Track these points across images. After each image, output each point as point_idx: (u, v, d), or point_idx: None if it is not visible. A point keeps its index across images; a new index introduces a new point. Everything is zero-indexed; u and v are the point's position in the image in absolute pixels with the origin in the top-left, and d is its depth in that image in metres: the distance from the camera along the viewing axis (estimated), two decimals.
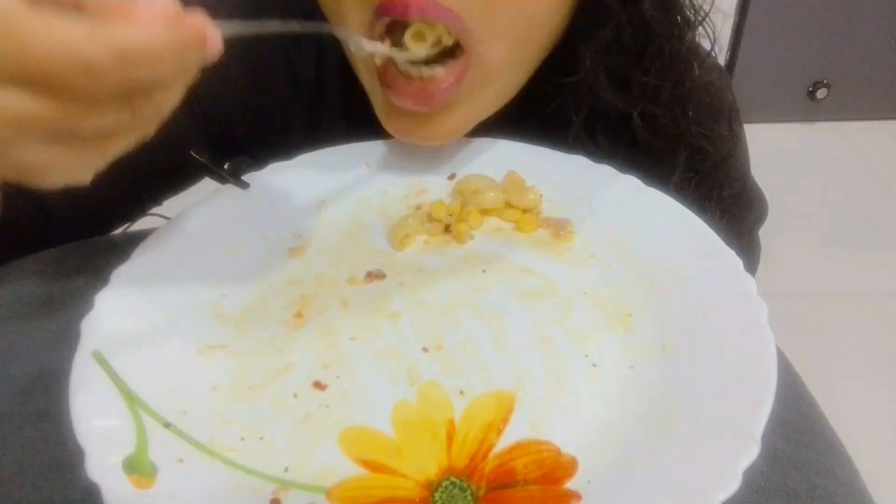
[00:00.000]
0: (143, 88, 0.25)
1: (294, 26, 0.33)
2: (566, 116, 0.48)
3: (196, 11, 0.26)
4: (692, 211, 0.40)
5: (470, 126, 0.44)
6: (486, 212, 0.43)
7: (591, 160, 0.45)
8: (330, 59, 0.52)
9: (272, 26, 0.31)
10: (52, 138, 0.25)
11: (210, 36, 0.26)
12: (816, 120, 1.84)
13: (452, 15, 0.37)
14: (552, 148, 0.46)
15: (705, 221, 0.39)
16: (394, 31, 0.39)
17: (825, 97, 1.81)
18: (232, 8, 0.51)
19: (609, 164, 0.44)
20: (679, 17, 0.45)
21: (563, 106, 0.47)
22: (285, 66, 0.52)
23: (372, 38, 0.39)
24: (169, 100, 0.27)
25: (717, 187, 0.50)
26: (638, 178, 0.43)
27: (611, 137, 0.48)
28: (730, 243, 0.38)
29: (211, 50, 0.26)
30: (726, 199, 0.51)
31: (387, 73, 0.41)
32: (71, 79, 0.23)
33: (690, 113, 0.47)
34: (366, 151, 0.47)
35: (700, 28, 0.48)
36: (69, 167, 0.27)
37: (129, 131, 0.27)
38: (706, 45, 0.50)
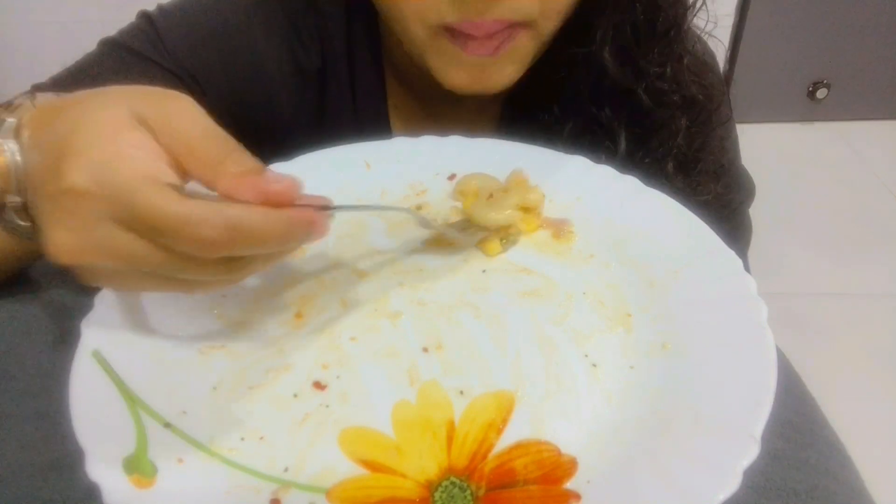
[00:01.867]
0: (243, 259, 0.28)
1: (374, 206, 0.38)
2: (571, 91, 0.50)
3: (314, 200, 0.29)
4: (691, 209, 0.41)
5: (518, 77, 0.48)
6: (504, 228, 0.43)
7: (591, 160, 0.45)
8: (336, 49, 0.53)
9: (366, 207, 0.36)
10: (153, 275, 0.28)
11: (318, 222, 0.28)
12: (816, 120, 1.85)
13: (513, 23, 0.43)
14: (552, 148, 0.46)
15: (702, 200, 0.40)
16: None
17: (825, 97, 1.81)
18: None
19: (610, 159, 0.46)
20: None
21: (572, 75, 0.50)
22: (290, 58, 0.52)
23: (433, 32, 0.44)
24: (264, 265, 0.30)
25: (708, 144, 0.53)
26: (639, 174, 0.44)
27: (616, 106, 0.50)
28: (721, 219, 0.39)
29: (316, 236, 0.28)
30: (718, 162, 0.55)
31: (462, 29, 0.44)
32: (184, 242, 0.26)
33: (687, 79, 0.51)
34: (366, 151, 0.47)
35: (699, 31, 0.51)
36: (156, 290, 0.30)
37: (222, 283, 0.30)
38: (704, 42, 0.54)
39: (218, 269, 0.28)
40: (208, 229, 0.25)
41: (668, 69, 0.49)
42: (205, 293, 0.31)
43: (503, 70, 0.46)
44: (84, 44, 0.50)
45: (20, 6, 1.65)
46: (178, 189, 0.26)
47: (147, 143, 0.27)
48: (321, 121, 0.54)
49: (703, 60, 0.53)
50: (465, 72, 0.46)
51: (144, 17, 0.50)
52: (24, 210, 0.30)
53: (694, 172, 0.52)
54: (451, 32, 0.44)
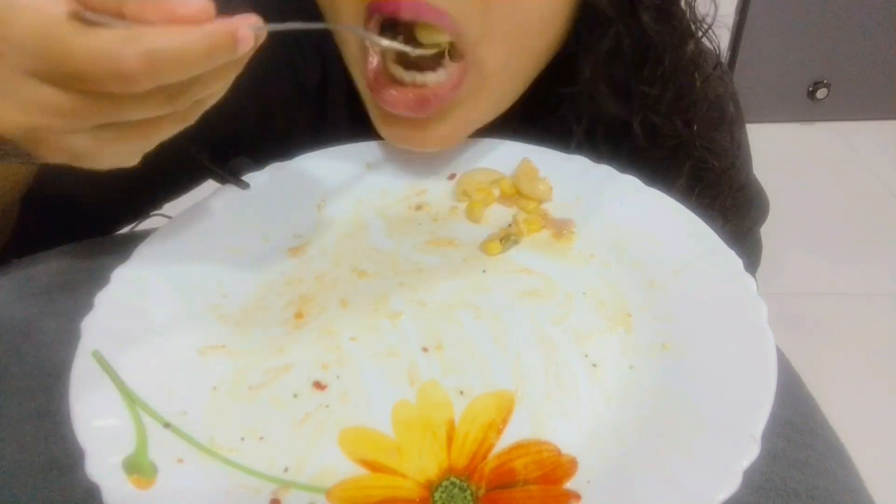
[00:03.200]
0: (178, 86, 0.27)
1: (319, 25, 0.34)
2: (567, 126, 0.48)
3: (236, 9, 0.27)
4: (693, 212, 0.41)
5: (466, 133, 0.45)
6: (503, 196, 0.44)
7: (592, 160, 0.45)
8: (335, 64, 0.53)
9: (298, 25, 0.32)
10: (97, 127, 0.27)
11: (241, 36, 0.27)
12: (816, 120, 1.84)
13: (444, 15, 0.37)
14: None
15: (706, 223, 0.40)
16: (385, 31, 0.39)
17: (825, 97, 1.81)
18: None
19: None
20: (679, 28, 0.45)
21: (565, 116, 0.48)
22: (290, 71, 0.52)
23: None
24: (209, 93, 0.29)
25: (720, 196, 0.50)
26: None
27: (612, 146, 0.48)
28: (731, 243, 0.38)
29: (242, 49, 0.27)
30: (728, 205, 0.51)
31: (378, 80, 0.41)
32: (105, 81, 0.25)
33: (694, 125, 0.47)
34: (366, 151, 0.47)
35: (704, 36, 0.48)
36: (116, 151, 0.29)
37: (171, 120, 0.29)
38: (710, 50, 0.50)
39: (157, 101, 0.27)
40: (126, 62, 0.24)
41: (664, 104, 0.46)
42: (163, 136, 0.29)
43: (442, 126, 0.42)
44: None
45: None
46: (85, 22, 0.25)
47: None
48: (319, 136, 0.54)
49: (713, 120, 0.49)
50: (398, 129, 0.43)
51: None
52: None
53: (703, 210, 0.50)
54: (371, 84, 0.41)
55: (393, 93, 0.40)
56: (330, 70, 0.53)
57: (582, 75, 0.45)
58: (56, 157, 0.28)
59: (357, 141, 0.47)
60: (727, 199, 0.51)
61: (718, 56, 0.49)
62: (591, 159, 0.45)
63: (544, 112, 0.48)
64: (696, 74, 0.47)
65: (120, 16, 0.25)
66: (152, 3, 0.26)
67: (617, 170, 0.44)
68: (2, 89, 0.26)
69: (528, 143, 0.47)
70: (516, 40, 0.41)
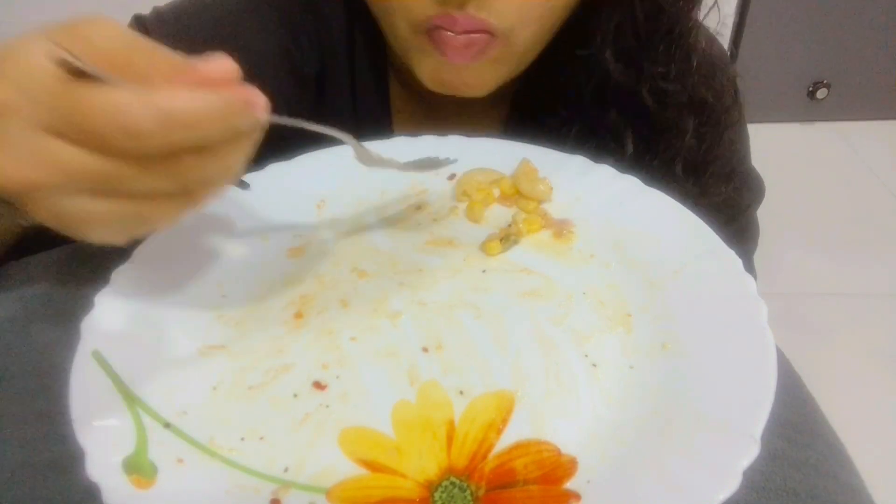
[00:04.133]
0: (189, 152, 0.26)
1: (318, 127, 0.35)
2: (567, 124, 0.51)
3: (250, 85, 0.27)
4: (696, 211, 0.41)
5: (499, 83, 0.48)
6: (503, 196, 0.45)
7: (591, 160, 0.45)
8: (337, 54, 0.53)
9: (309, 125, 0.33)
10: (98, 192, 0.26)
11: (257, 104, 0.27)
12: (816, 120, 1.84)
13: (490, 27, 0.43)
14: (553, 148, 0.46)
15: (712, 202, 0.40)
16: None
17: (825, 97, 1.81)
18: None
19: (618, 161, 0.46)
20: None
21: (575, 76, 0.50)
22: (286, 62, 0.52)
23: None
24: (218, 169, 0.28)
25: (721, 150, 0.53)
26: (641, 177, 0.44)
27: (621, 109, 0.50)
28: (729, 221, 0.39)
29: (257, 117, 0.27)
30: (729, 164, 0.54)
31: (441, 39, 0.44)
32: (117, 139, 0.24)
33: (700, 85, 0.51)
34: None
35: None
36: (109, 224, 0.28)
37: (175, 198, 0.28)
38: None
39: (168, 174, 0.26)
40: (139, 116, 0.24)
41: (673, 69, 0.49)
42: (162, 220, 0.28)
43: (481, 76, 0.47)
44: None
45: (20, 6, 1.65)
46: (78, 73, 0.25)
47: (79, 50, 0.25)
48: (320, 124, 0.54)
49: (712, 61, 0.53)
50: (444, 74, 0.47)
51: (137, 21, 0.50)
52: None
53: (704, 175, 0.52)
54: (432, 34, 0.44)
55: (452, 42, 0.44)
56: (328, 59, 0.53)
57: (594, 40, 0.48)
58: (47, 219, 0.27)
59: (359, 129, 0.48)
60: (729, 161, 0.54)
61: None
62: (591, 158, 0.45)
63: (555, 74, 0.51)
64: (700, 36, 0.50)
65: (124, 72, 0.25)
66: (167, 62, 0.26)
67: (621, 170, 0.44)
68: (10, 142, 0.25)
69: (535, 136, 0.47)
70: (546, 20, 0.45)
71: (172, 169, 0.26)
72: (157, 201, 0.27)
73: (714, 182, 0.52)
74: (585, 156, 0.45)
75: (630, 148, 0.50)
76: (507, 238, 0.41)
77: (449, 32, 0.43)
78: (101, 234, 0.28)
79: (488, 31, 0.43)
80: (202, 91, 0.25)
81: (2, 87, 0.25)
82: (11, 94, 0.25)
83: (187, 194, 0.28)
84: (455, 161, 0.44)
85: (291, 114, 0.53)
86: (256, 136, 0.28)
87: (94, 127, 0.24)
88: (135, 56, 0.26)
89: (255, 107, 0.27)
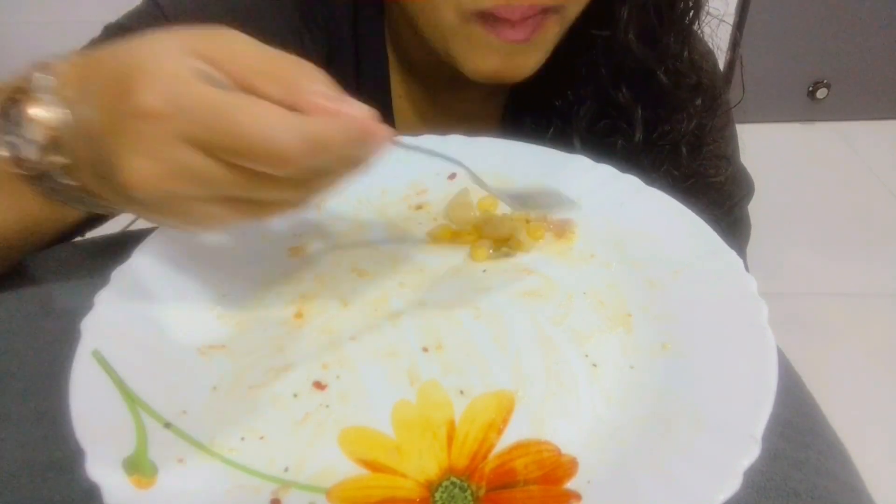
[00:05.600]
0: (319, 174, 0.28)
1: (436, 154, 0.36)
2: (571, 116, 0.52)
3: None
4: (692, 207, 0.41)
5: (541, 63, 0.48)
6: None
7: (592, 160, 0.45)
8: (342, 38, 0.53)
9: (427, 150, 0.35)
10: (226, 200, 0.28)
11: (379, 133, 0.28)
12: (816, 120, 1.84)
13: (545, 7, 0.43)
14: (554, 147, 0.46)
15: (719, 173, 0.41)
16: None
17: (825, 97, 1.81)
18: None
19: (627, 142, 0.47)
20: None
21: (592, 58, 0.51)
22: (297, 44, 0.52)
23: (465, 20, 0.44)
24: (332, 184, 0.30)
25: (715, 133, 0.55)
26: (641, 171, 0.44)
27: (635, 89, 0.51)
28: (721, 215, 0.39)
29: (379, 147, 0.28)
30: (724, 146, 0.56)
31: (497, 14, 0.44)
32: (263, 160, 0.26)
33: (699, 62, 0.53)
34: None
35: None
36: (225, 222, 0.29)
37: (290, 204, 0.30)
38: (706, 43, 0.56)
39: (295, 190, 0.28)
40: (289, 143, 0.25)
41: (686, 52, 0.51)
42: (275, 216, 0.30)
43: (531, 57, 0.47)
44: (84, 44, 0.50)
45: (20, 6, 1.65)
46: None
47: (212, 66, 0.27)
48: None
49: (704, 48, 0.55)
50: (495, 58, 0.46)
51: (154, 4, 0.50)
52: (69, 172, 0.30)
53: (703, 154, 0.53)
54: (484, 18, 0.44)
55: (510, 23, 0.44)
56: (334, 45, 0.53)
57: (617, 19, 0.49)
58: (168, 221, 0.29)
59: None
60: (717, 129, 0.56)
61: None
62: (597, 148, 0.46)
63: (565, 57, 0.51)
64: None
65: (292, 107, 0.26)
66: (330, 108, 0.27)
67: (628, 153, 0.44)
68: (153, 150, 0.26)
69: (537, 119, 0.48)
70: None
71: (298, 184, 0.28)
72: (273, 207, 0.29)
73: (714, 162, 0.54)
74: (591, 144, 0.46)
75: (640, 128, 0.51)
76: (499, 249, 0.41)
77: (506, 24, 0.43)
78: (212, 228, 0.30)
79: (543, 11, 0.43)
80: (338, 120, 0.26)
81: (148, 94, 0.25)
82: (159, 104, 0.25)
83: (300, 202, 0.30)
84: (573, 202, 0.42)
85: None
86: (369, 162, 0.30)
87: (245, 149, 0.25)
88: (281, 65, 0.27)
89: (385, 142, 0.28)
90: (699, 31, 0.53)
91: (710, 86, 0.53)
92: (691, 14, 0.50)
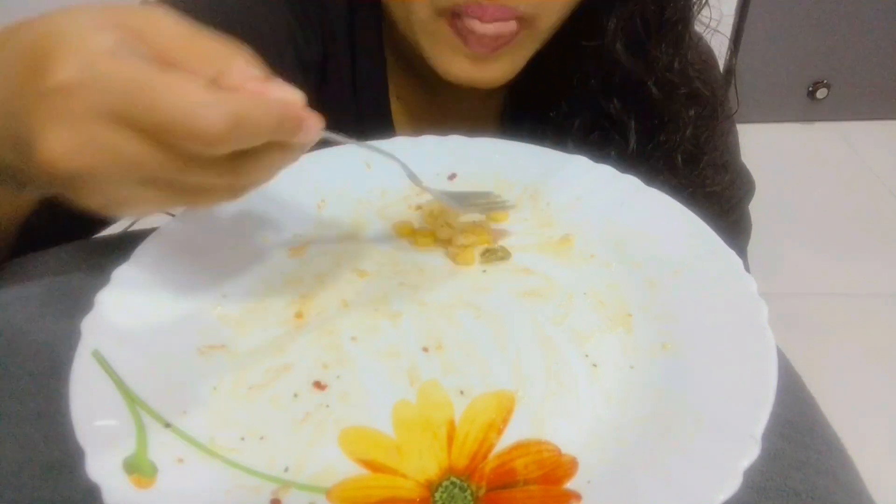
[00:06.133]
0: (243, 154, 0.27)
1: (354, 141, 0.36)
2: (570, 118, 0.50)
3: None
4: (692, 207, 0.41)
5: (514, 73, 0.48)
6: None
7: (599, 155, 0.45)
8: (338, 41, 0.53)
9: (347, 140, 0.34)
10: (151, 182, 0.26)
11: (308, 122, 0.28)
12: (816, 120, 1.84)
13: (517, 14, 0.43)
14: (553, 147, 0.46)
15: (711, 192, 0.41)
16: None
17: (825, 97, 1.81)
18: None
19: (620, 153, 0.46)
20: None
21: (581, 68, 0.51)
22: (291, 49, 0.52)
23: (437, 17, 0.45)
24: (265, 170, 0.29)
25: (715, 141, 0.54)
26: (640, 176, 0.44)
27: (626, 100, 0.51)
28: (722, 214, 0.39)
29: (303, 136, 0.28)
30: (724, 155, 0.55)
31: (464, 27, 0.44)
32: (187, 138, 0.24)
33: (694, 73, 0.52)
34: (366, 151, 0.47)
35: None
36: (151, 206, 0.28)
37: (219, 192, 0.29)
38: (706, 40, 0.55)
39: (221, 174, 0.27)
40: (213, 119, 0.24)
41: (677, 62, 0.50)
42: (205, 204, 0.29)
43: (500, 66, 0.47)
44: None
45: (20, 6, 1.65)
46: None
47: (134, 41, 0.25)
48: (322, 109, 0.55)
49: (704, 58, 0.54)
50: (462, 62, 0.46)
51: (145, 2, 0.50)
52: None
53: (701, 165, 0.53)
54: (454, 18, 0.44)
55: (477, 34, 0.44)
56: (329, 46, 0.53)
57: (605, 31, 0.49)
58: (86, 202, 0.27)
59: (359, 116, 0.48)
60: (724, 151, 0.55)
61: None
62: (593, 153, 0.46)
63: (557, 67, 0.51)
64: (692, 31, 0.51)
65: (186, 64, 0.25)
66: (254, 87, 0.26)
67: (624, 163, 0.44)
68: (70, 125, 0.24)
69: (534, 124, 0.48)
70: (567, 7, 0.46)
71: (225, 167, 0.27)
72: (201, 192, 0.28)
73: (712, 172, 0.53)
74: (586, 154, 0.45)
75: (634, 139, 0.51)
76: (491, 253, 0.41)
77: (476, 20, 0.43)
78: (139, 214, 0.29)
79: (515, 18, 0.43)
80: (267, 101, 0.26)
81: (63, 66, 0.24)
82: (74, 75, 0.24)
83: (231, 189, 0.29)
84: (508, 203, 0.43)
85: None
86: (299, 153, 0.29)
87: (167, 125, 0.24)
88: (205, 43, 0.26)
89: (312, 129, 0.28)
90: (695, 41, 0.52)
91: (710, 95, 0.52)
92: (680, 25, 0.49)
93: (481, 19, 0.42)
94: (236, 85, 0.26)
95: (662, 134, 0.51)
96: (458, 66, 0.47)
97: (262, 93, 0.26)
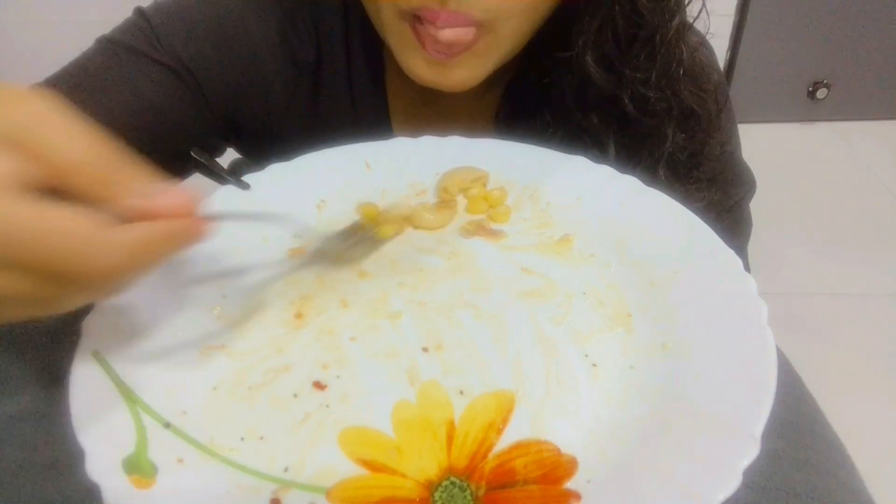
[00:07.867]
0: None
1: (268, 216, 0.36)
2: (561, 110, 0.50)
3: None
4: (688, 207, 0.41)
5: (481, 78, 0.48)
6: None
7: (591, 160, 0.45)
8: (333, 41, 0.53)
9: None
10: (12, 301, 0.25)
11: (201, 228, 0.27)
12: (816, 120, 1.84)
13: (474, 20, 0.42)
14: (552, 148, 0.46)
15: (699, 198, 0.40)
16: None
17: (825, 97, 1.81)
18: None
19: (605, 157, 0.45)
20: (669, 5, 0.47)
21: (559, 79, 0.50)
22: (285, 49, 0.52)
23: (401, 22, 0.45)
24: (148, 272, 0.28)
25: (704, 164, 0.53)
26: (639, 175, 0.44)
27: (602, 114, 0.50)
28: (722, 213, 0.38)
29: (199, 238, 0.28)
30: (715, 169, 0.54)
31: (423, 32, 0.44)
32: (76, 280, 0.24)
33: (681, 94, 0.50)
34: (365, 152, 0.47)
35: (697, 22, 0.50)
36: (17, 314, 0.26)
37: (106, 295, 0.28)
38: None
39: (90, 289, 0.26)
40: (104, 263, 0.24)
41: (654, 76, 0.48)
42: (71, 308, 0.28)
43: (462, 71, 0.46)
44: (84, 44, 0.50)
45: (20, 6, 1.65)
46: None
47: (24, 163, 0.23)
48: (316, 113, 0.54)
49: (697, 69, 0.52)
50: (422, 65, 0.46)
51: (139, 13, 0.50)
52: None
53: (689, 179, 0.51)
54: (416, 25, 0.44)
55: (434, 40, 0.44)
56: (324, 45, 0.53)
57: (574, 44, 0.48)
58: None
59: (356, 116, 0.48)
60: (714, 166, 0.53)
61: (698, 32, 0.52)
62: (591, 157, 0.45)
63: (540, 74, 0.51)
64: (683, 46, 0.49)
65: (105, 204, 0.25)
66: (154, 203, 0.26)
67: (616, 170, 0.44)
68: None
69: (527, 128, 0.47)
70: (529, 13, 0.45)
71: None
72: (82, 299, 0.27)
73: (696, 188, 0.52)
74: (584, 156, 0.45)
75: (612, 153, 0.50)
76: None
77: (431, 26, 0.43)
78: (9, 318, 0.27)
79: (472, 24, 0.43)
80: (163, 226, 0.26)
81: None
82: None
83: (113, 293, 0.28)
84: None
85: (290, 100, 0.54)
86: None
87: (56, 270, 0.23)
88: (99, 160, 0.25)
89: (204, 232, 0.27)
90: (694, 49, 0.50)
91: (698, 111, 0.50)
92: (657, 39, 0.47)
93: (435, 25, 0.42)
94: (128, 209, 0.25)
95: (643, 148, 0.50)
96: (419, 68, 0.46)
97: (155, 213, 0.25)
